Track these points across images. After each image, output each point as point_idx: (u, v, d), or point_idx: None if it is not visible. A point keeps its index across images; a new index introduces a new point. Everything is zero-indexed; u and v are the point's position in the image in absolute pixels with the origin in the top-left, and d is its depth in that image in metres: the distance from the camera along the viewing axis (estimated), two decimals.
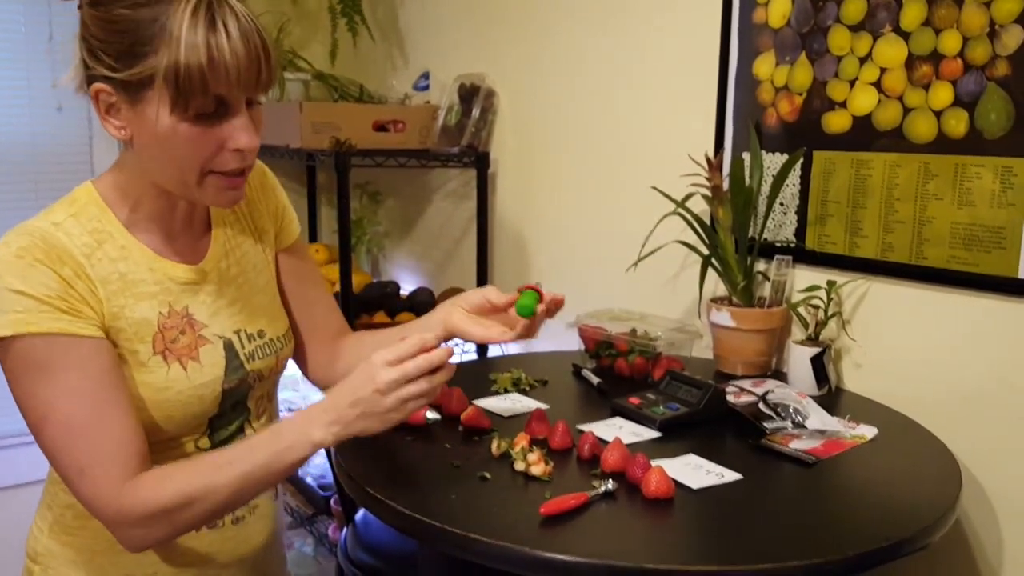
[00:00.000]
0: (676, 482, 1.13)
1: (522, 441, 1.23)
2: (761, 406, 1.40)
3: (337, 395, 1.00)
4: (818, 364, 1.54)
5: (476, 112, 2.33)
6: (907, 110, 1.49)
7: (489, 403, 1.47)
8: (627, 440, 1.25)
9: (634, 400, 1.43)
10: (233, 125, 0.97)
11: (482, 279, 2.41)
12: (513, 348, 2.39)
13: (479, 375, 1.63)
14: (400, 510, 1.07)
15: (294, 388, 2.63)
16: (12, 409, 0.98)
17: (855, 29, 1.54)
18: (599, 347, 1.71)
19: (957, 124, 1.42)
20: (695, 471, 1.19)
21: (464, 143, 2.33)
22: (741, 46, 1.74)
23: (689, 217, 1.70)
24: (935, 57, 1.44)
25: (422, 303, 2.37)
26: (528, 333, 1.17)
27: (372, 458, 1.23)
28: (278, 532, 1.25)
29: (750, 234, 1.68)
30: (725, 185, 1.67)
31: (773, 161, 1.70)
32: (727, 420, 1.39)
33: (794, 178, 1.67)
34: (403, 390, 0.97)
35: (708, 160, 1.66)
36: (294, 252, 1.25)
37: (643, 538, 1.05)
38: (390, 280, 2.64)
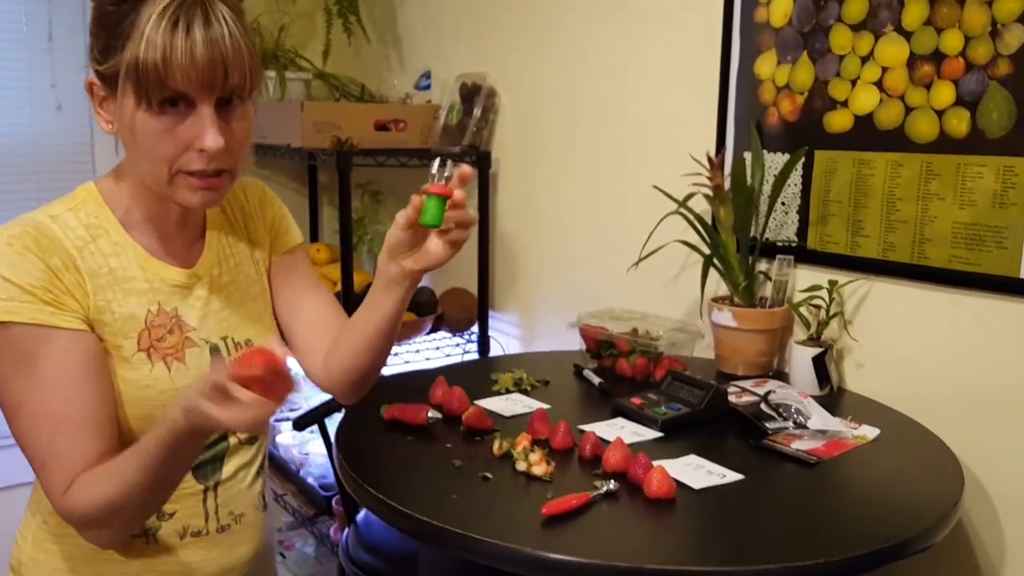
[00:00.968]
0: (678, 482, 1.14)
1: (524, 441, 1.23)
2: (763, 406, 1.40)
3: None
4: (820, 364, 1.54)
5: (477, 111, 2.33)
6: (909, 109, 1.48)
7: (490, 403, 1.47)
8: (629, 440, 1.25)
9: (636, 400, 1.43)
10: (198, 125, 0.97)
11: (483, 278, 2.41)
12: (513, 347, 2.39)
13: (480, 375, 1.63)
14: (402, 510, 1.07)
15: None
16: None
17: (857, 28, 1.54)
18: (600, 347, 1.70)
19: (959, 124, 1.42)
20: (697, 471, 1.19)
21: (465, 142, 2.33)
22: (743, 45, 1.74)
23: (691, 217, 1.70)
24: (937, 56, 1.44)
25: (423, 303, 2.37)
26: (459, 237, 1.08)
27: (374, 458, 1.23)
28: (267, 542, 1.23)
29: (751, 234, 1.68)
30: (726, 185, 1.67)
31: (775, 161, 1.70)
32: (729, 420, 1.39)
33: (796, 178, 1.67)
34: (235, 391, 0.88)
35: (709, 159, 1.66)
36: (292, 257, 1.24)
37: (645, 538, 1.05)
38: None
